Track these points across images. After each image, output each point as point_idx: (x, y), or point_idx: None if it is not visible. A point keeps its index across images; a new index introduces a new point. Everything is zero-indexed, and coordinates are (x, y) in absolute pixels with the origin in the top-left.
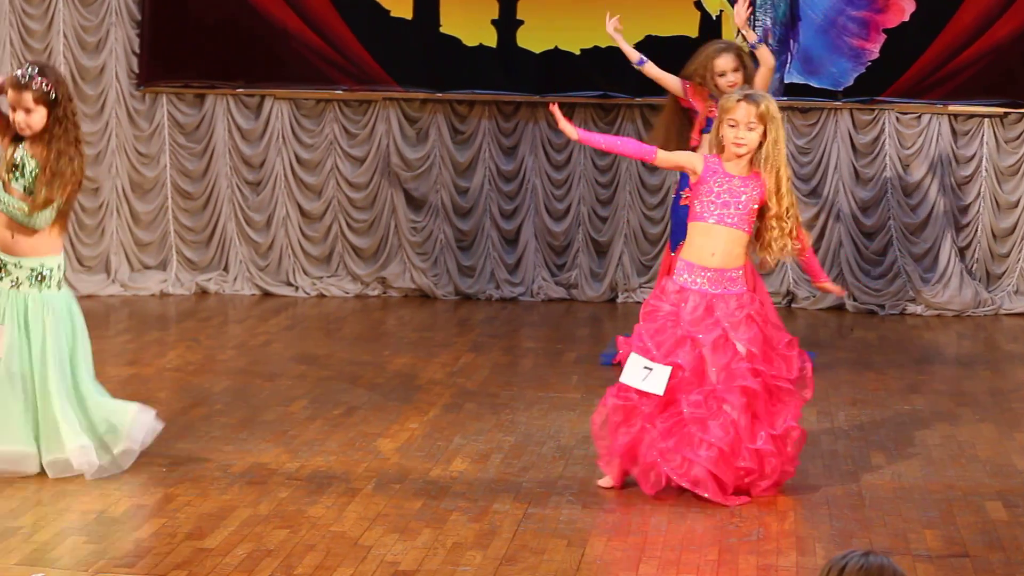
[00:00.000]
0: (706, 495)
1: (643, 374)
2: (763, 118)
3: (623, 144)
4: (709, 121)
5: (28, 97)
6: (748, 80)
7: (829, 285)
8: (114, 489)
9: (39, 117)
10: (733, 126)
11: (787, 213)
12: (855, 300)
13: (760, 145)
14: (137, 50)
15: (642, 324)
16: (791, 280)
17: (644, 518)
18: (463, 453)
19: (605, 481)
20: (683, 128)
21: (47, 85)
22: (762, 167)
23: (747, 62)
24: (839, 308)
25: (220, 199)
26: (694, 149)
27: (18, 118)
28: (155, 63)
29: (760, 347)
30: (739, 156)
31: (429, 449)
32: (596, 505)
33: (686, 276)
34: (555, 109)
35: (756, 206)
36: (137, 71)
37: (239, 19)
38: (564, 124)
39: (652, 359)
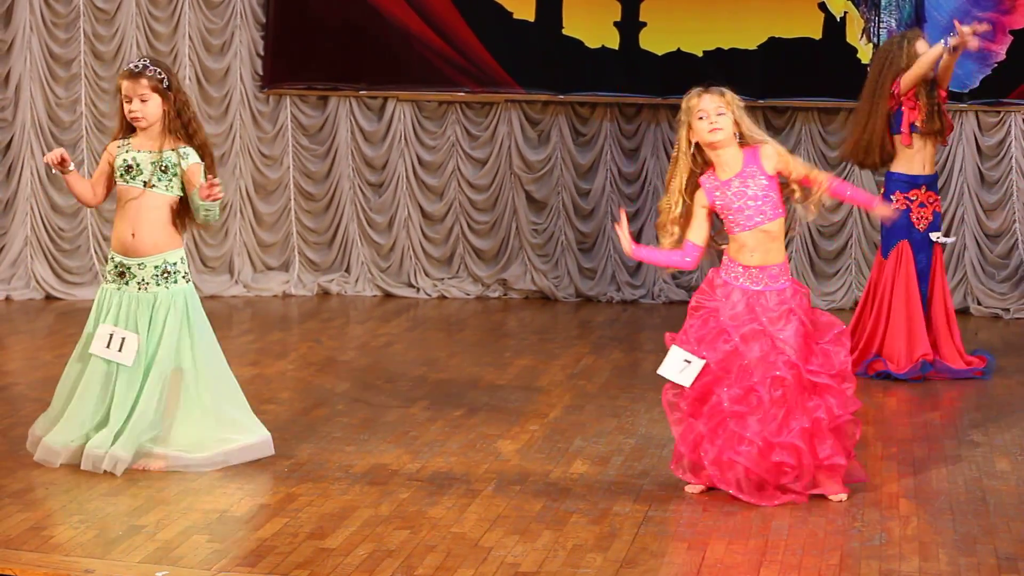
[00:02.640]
0: (746, 499)
1: (681, 367)
2: (730, 105)
3: (667, 258)
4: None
5: (144, 83)
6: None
7: (881, 209)
8: (236, 488)
9: (154, 107)
10: (702, 118)
11: (795, 176)
12: (979, 303)
13: (739, 138)
14: (261, 52)
15: (688, 319)
16: None
17: (765, 521)
18: (583, 455)
19: (692, 488)
20: (885, 140)
21: (160, 73)
22: (765, 163)
23: None
24: (963, 312)
25: (342, 201)
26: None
27: (133, 107)
28: (279, 65)
29: (799, 341)
30: (716, 144)
31: (549, 451)
32: (717, 508)
33: (729, 271)
34: (622, 221)
35: (768, 182)
36: (261, 73)
37: (362, 21)
38: (625, 239)
39: (694, 353)
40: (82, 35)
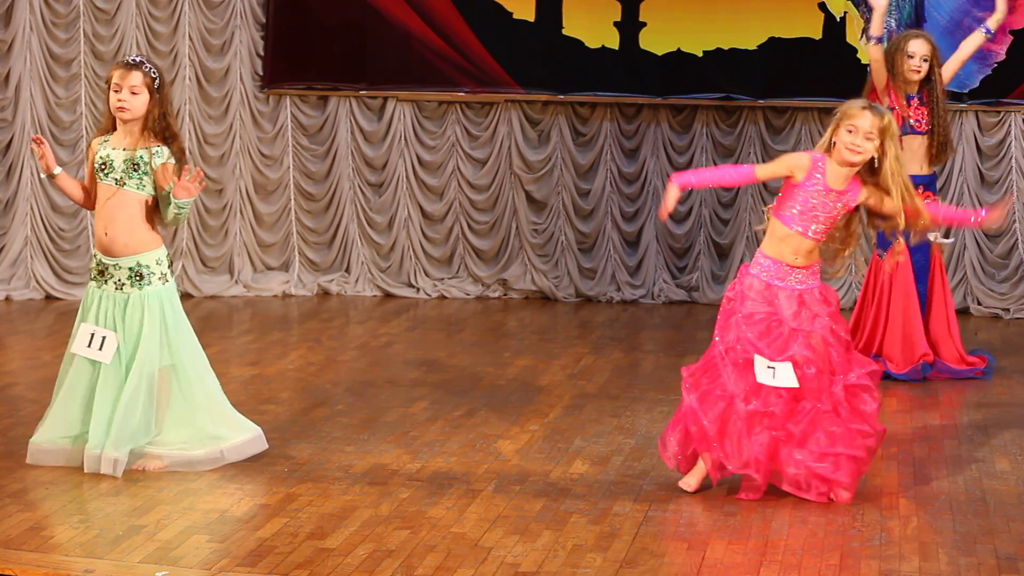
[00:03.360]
0: (846, 494)
1: (769, 373)
2: (883, 132)
3: (721, 173)
4: (904, 122)
5: (136, 77)
6: (932, 76)
7: (992, 216)
8: (236, 488)
9: (141, 102)
10: (851, 132)
11: (888, 209)
12: (979, 303)
13: (875, 161)
14: (261, 52)
15: (745, 329)
16: None
17: (765, 521)
18: (583, 455)
19: (688, 483)
20: None
21: (154, 72)
22: (889, 183)
23: (937, 59)
24: (963, 312)
25: (342, 201)
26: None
27: (122, 97)
28: (279, 65)
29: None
30: (851, 164)
31: (549, 451)
32: (717, 508)
33: (772, 273)
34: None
35: (844, 214)
36: (261, 73)
37: (362, 21)
38: (670, 201)
39: (769, 358)
40: (82, 35)
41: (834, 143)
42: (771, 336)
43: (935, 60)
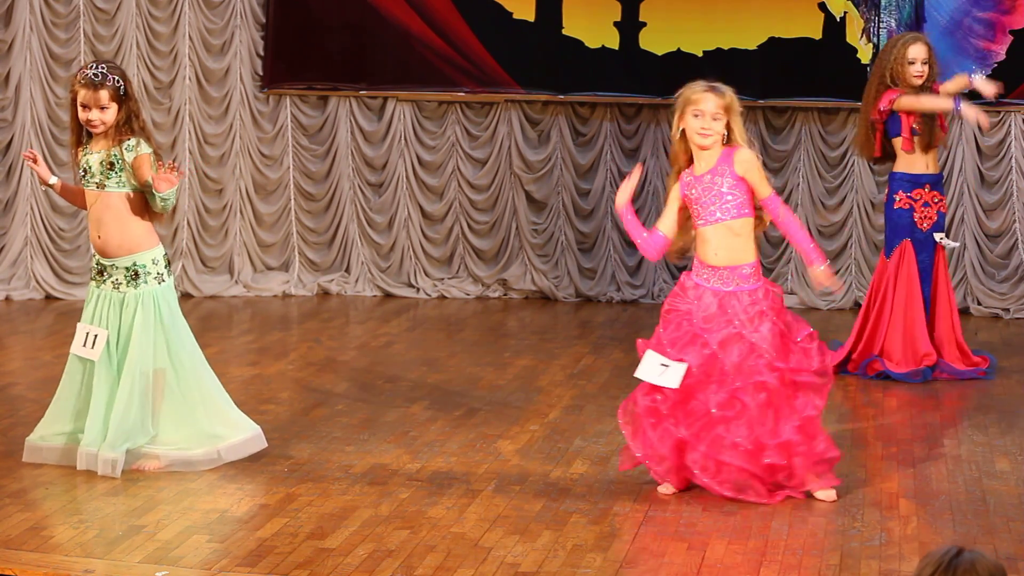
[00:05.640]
0: (745, 499)
1: (659, 371)
2: (728, 110)
3: (635, 230)
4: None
5: (104, 95)
6: (932, 77)
7: (816, 272)
8: (236, 488)
9: (112, 114)
10: (698, 116)
11: (756, 193)
12: (979, 303)
13: (724, 139)
14: (261, 52)
15: (661, 323)
16: None
17: (765, 521)
18: (583, 455)
19: (665, 488)
20: (871, 138)
21: (118, 81)
22: (736, 166)
23: (934, 58)
24: (963, 312)
25: (342, 201)
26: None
27: (92, 116)
28: (279, 65)
29: (776, 341)
30: (705, 147)
31: (549, 451)
32: (716, 508)
33: (700, 273)
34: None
35: (736, 182)
36: (261, 73)
37: (362, 22)
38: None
39: (668, 357)
40: (82, 35)
41: (683, 130)
42: (678, 333)
43: (932, 60)
